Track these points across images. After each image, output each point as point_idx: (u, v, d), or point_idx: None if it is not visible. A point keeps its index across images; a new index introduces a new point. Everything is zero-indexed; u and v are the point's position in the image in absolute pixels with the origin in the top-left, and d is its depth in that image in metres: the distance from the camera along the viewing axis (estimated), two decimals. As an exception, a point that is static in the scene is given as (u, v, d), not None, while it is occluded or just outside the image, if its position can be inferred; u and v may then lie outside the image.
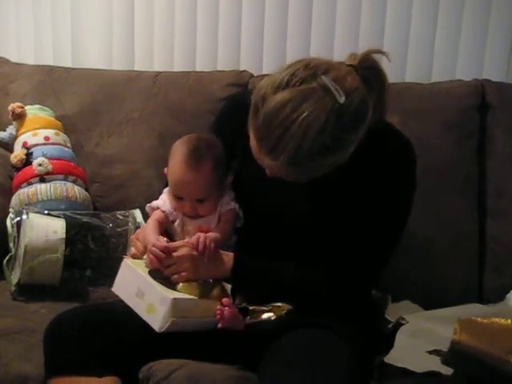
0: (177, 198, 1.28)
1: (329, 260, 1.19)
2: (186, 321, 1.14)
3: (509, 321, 1.08)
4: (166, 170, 1.31)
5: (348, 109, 1.03)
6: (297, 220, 1.23)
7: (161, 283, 1.16)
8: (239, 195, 1.32)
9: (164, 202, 1.32)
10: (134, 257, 1.26)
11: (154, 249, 1.17)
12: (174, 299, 1.12)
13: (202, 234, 1.19)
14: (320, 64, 1.07)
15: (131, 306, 1.18)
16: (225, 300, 1.16)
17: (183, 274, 1.17)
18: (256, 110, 1.06)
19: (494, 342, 1.04)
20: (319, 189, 1.19)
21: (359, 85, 1.07)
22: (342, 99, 1.02)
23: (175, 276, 1.17)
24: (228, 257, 1.21)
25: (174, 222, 1.31)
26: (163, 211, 1.30)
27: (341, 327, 1.17)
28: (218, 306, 1.16)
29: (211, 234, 1.20)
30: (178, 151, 1.26)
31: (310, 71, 1.05)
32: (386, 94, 1.15)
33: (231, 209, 1.30)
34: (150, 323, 1.14)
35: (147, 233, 1.24)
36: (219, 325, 1.15)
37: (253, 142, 1.10)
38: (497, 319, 1.11)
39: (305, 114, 1.01)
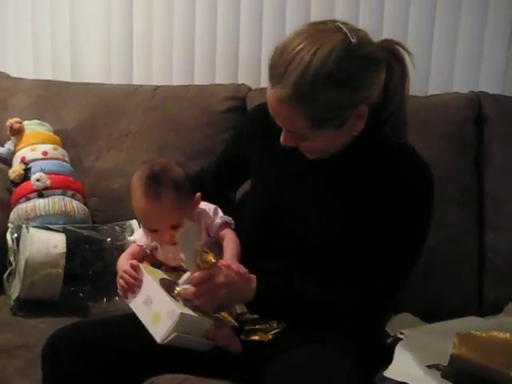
0: (151, 231, 1.25)
1: (350, 278, 1.19)
2: (189, 337, 1.14)
3: (507, 334, 1.08)
4: None
5: (359, 49, 1.08)
6: (309, 224, 1.24)
7: (171, 294, 1.16)
8: (254, 199, 1.33)
9: (141, 235, 1.32)
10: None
11: (124, 274, 1.20)
12: (182, 314, 1.11)
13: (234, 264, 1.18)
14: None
15: (136, 311, 1.18)
16: (218, 322, 1.16)
17: (217, 303, 1.16)
18: (273, 49, 1.11)
19: (494, 356, 1.04)
20: (337, 199, 1.22)
21: (372, 45, 1.12)
22: (353, 40, 1.07)
23: (209, 306, 1.16)
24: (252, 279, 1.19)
25: (156, 249, 1.30)
26: (139, 245, 1.31)
27: (342, 342, 1.17)
28: (212, 326, 1.15)
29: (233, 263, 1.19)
30: (135, 185, 1.23)
31: (327, 21, 1.12)
32: (407, 82, 1.17)
33: (224, 224, 1.29)
34: (152, 332, 1.13)
35: (119, 262, 1.28)
36: (211, 342, 1.15)
37: (267, 83, 1.12)
38: (495, 333, 1.11)
39: (314, 42, 1.06)
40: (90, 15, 2.09)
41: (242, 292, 1.17)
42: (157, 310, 1.14)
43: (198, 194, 1.28)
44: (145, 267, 1.23)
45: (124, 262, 1.26)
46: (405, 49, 1.17)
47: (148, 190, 1.20)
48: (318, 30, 1.08)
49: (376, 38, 1.79)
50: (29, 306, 1.51)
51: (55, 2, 2.12)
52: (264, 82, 1.93)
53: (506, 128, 1.64)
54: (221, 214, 1.31)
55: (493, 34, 1.78)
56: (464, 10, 1.78)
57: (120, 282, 1.22)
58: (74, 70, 2.14)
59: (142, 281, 1.20)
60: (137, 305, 1.18)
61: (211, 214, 1.30)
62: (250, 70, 1.95)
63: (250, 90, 1.85)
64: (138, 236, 1.34)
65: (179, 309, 1.11)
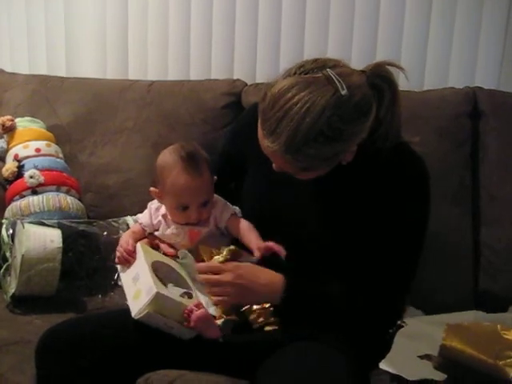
0: (180, 209, 1.28)
1: (350, 276, 1.20)
2: (164, 319, 1.15)
3: (498, 326, 1.08)
4: (153, 189, 1.31)
5: (348, 101, 1.06)
6: (307, 230, 1.25)
7: (158, 276, 1.18)
8: (251, 204, 1.34)
9: (143, 215, 1.36)
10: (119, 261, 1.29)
11: (120, 248, 1.28)
12: (158, 293, 1.13)
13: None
14: (329, 60, 1.12)
15: (124, 285, 1.23)
16: (197, 303, 1.17)
17: (225, 299, 1.19)
18: (264, 94, 1.11)
19: (482, 346, 1.04)
20: (333, 203, 1.23)
21: (364, 84, 1.10)
22: (343, 91, 1.05)
23: (217, 299, 1.19)
24: (276, 282, 1.21)
25: (156, 230, 1.34)
26: (140, 223, 1.35)
27: (338, 340, 1.18)
28: (189, 307, 1.16)
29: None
30: (171, 163, 1.27)
31: (317, 64, 1.10)
32: (398, 105, 1.17)
33: (234, 215, 1.32)
34: (130, 307, 1.17)
35: (121, 238, 1.33)
36: (185, 323, 1.15)
37: (259, 128, 1.13)
38: (484, 323, 1.12)
39: (305, 99, 1.05)
40: (85, 10, 2.08)
41: (260, 296, 1.19)
42: (140, 287, 1.17)
43: (215, 177, 1.32)
44: (143, 247, 1.27)
45: (124, 239, 1.31)
46: (397, 66, 1.18)
47: (190, 165, 1.26)
48: (309, 83, 1.06)
49: (371, 33, 1.83)
50: (24, 302, 1.51)
51: (50, -4, 2.11)
52: (260, 77, 1.93)
53: (502, 123, 1.63)
54: (230, 206, 1.34)
55: (488, 29, 1.77)
56: (460, 4, 1.78)
57: (117, 253, 1.28)
58: (68, 65, 2.14)
59: (135, 258, 1.25)
60: (127, 279, 1.23)
61: (221, 205, 1.33)
62: (245, 66, 1.95)
63: (246, 85, 1.85)
64: (140, 215, 1.38)
65: (157, 288, 1.13)
